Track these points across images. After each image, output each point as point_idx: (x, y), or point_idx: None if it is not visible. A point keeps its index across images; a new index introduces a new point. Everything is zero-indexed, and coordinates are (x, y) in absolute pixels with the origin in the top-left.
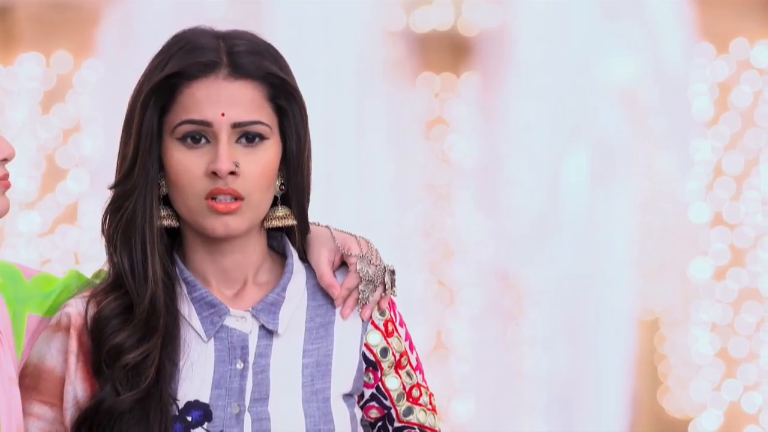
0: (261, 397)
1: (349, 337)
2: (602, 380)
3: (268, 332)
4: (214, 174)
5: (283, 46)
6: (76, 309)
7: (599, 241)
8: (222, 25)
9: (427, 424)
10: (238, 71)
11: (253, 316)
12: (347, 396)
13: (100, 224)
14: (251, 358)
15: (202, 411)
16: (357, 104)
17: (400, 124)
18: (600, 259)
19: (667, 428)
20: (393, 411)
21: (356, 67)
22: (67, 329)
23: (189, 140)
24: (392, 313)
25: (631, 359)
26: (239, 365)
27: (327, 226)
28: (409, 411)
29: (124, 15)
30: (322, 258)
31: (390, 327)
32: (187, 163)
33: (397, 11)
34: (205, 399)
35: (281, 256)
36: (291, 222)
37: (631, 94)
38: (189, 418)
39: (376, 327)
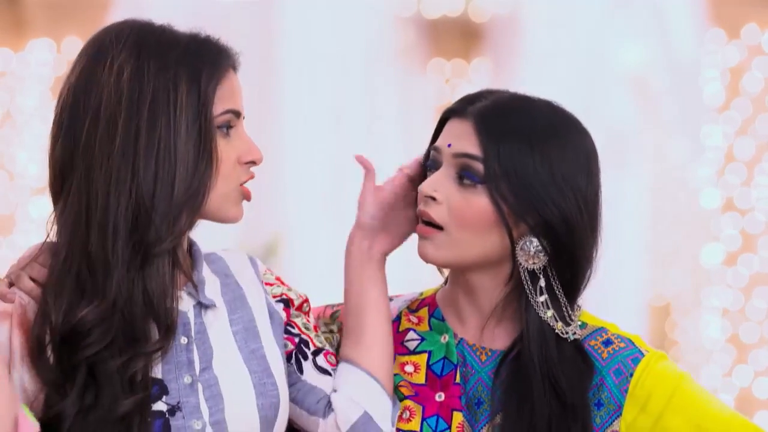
0: (207, 366)
1: (259, 302)
2: None
3: (199, 309)
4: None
5: (293, 33)
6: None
7: (610, 227)
8: (233, 10)
9: (334, 353)
10: None
11: (189, 294)
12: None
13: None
14: (193, 333)
15: (158, 386)
16: (367, 90)
17: (411, 109)
18: (611, 245)
19: None
20: (304, 336)
21: (366, 53)
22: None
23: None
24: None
25: None
26: (183, 340)
27: None
28: (318, 339)
29: (134, 0)
30: None
31: (282, 280)
32: None
33: None
34: (158, 375)
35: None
36: None
37: (642, 79)
38: None
39: (269, 283)
